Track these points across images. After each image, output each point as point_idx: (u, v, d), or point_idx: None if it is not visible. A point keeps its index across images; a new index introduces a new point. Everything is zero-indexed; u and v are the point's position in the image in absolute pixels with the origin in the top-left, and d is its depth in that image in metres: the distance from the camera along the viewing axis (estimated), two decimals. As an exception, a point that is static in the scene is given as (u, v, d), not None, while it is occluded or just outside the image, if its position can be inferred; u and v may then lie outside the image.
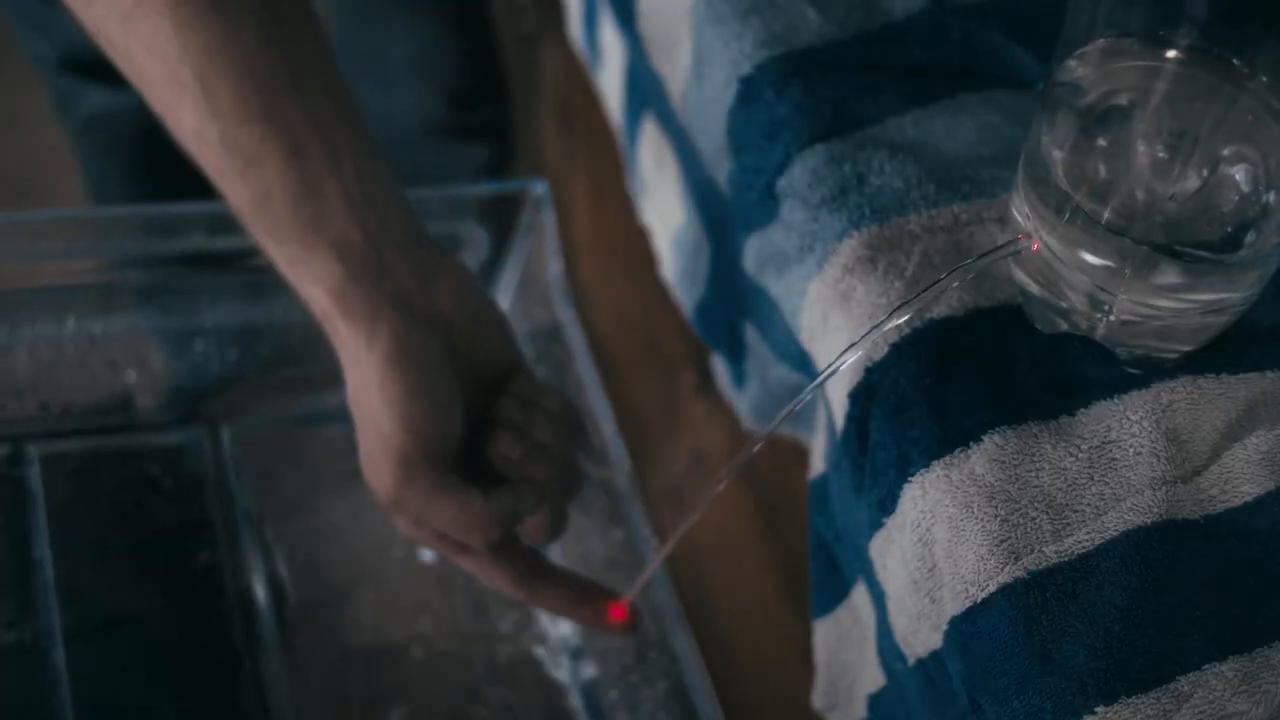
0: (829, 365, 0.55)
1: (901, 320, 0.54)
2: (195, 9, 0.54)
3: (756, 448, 0.59)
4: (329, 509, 0.82)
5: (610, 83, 0.86)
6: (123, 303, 0.79)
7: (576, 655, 0.77)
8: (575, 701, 0.77)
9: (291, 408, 0.84)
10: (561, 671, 0.78)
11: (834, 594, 0.66)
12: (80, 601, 0.73)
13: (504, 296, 0.83)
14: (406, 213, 0.59)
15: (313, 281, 0.57)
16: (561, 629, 0.79)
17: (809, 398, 0.57)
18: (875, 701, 0.63)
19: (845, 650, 0.66)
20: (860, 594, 0.63)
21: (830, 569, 0.66)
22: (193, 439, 0.81)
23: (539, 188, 0.80)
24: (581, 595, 0.66)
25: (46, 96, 1.22)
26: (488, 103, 1.31)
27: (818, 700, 0.69)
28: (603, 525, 0.77)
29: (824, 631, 0.68)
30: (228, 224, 0.75)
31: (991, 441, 0.53)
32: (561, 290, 0.81)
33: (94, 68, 1.16)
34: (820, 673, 0.69)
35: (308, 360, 0.80)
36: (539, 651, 0.78)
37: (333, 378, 0.60)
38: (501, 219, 0.81)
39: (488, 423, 0.62)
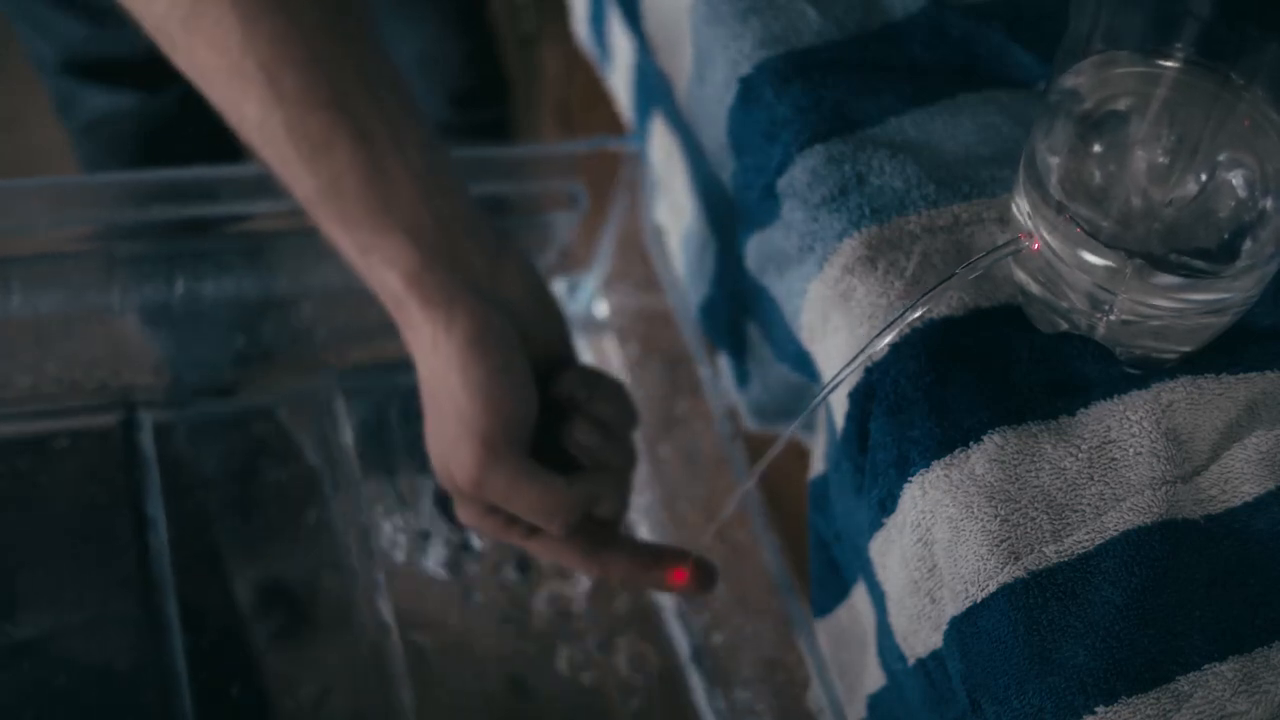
0: (841, 370, 0.55)
1: (906, 322, 0.54)
2: (259, 2, 0.54)
3: (778, 450, 0.60)
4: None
5: (620, 81, 0.87)
6: (232, 265, 0.81)
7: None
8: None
9: (384, 364, 0.85)
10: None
11: (834, 594, 0.66)
12: (193, 562, 0.76)
13: (605, 250, 0.85)
14: (470, 199, 0.59)
15: (387, 266, 0.57)
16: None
17: (820, 401, 0.57)
18: (875, 701, 0.63)
19: (845, 650, 0.66)
20: (860, 594, 0.63)
21: (831, 568, 0.66)
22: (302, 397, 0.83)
23: (635, 143, 0.81)
24: (650, 561, 0.65)
25: (47, 97, 1.22)
26: (488, 103, 1.31)
27: (814, 702, 0.69)
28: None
29: (824, 631, 0.68)
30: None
31: (991, 441, 0.53)
32: (659, 243, 0.81)
33: (94, 69, 1.16)
34: (814, 674, 0.69)
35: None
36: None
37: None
38: (597, 175, 0.82)
39: (548, 407, 0.61)
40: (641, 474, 0.84)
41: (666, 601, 0.80)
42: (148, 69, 1.17)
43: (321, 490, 0.81)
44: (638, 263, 0.83)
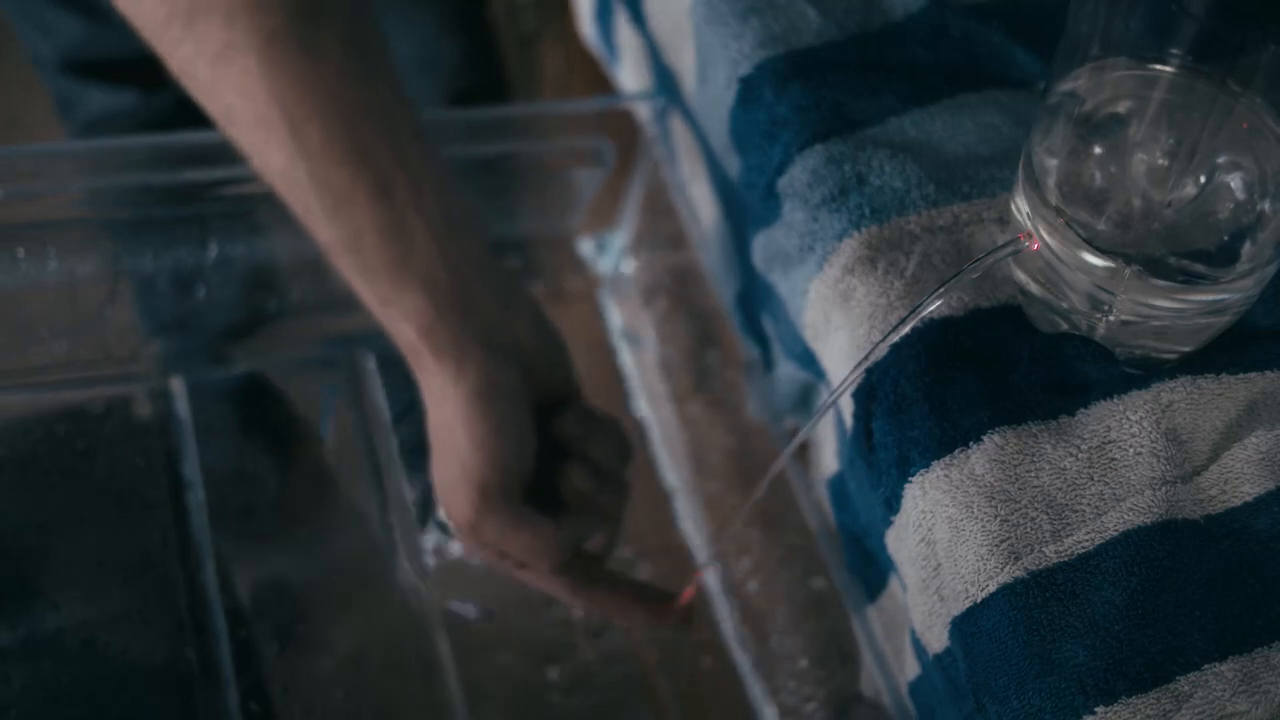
0: (850, 371, 0.55)
1: (910, 325, 0.54)
2: (285, 50, 0.54)
3: (796, 446, 0.61)
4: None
5: (629, 79, 0.86)
6: (263, 226, 0.81)
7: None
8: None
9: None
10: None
11: (875, 583, 0.66)
12: (230, 521, 0.78)
13: (631, 207, 0.85)
14: (484, 243, 0.60)
15: (403, 319, 0.58)
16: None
17: (832, 402, 0.57)
18: (914, 689, 0.63)
19: (893, 637, 0.66)
20: (896, 584, 0.63)
21: (867, 560, 0.66)
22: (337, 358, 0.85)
23: (659, 100, 0.81)
24: (634, 599, 0.68)
25: (47, 97, 1.22)
26: (488, 103, 1.31)
27: (868, 687, 0.69)
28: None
29: (871, 620, 0.68)
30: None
31: (991, 441, 0.53)
32: (685, 198, 0.82)
33: (94, 69, 1.16)
34: (865, 660, 0.69)
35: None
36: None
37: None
38: (621, 134, 0.83)
39: (548, 444, 0.64)
40: (673, 430, 0.85)
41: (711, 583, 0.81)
42: (148, 69, 1.17)
43: (356, 449, 0.82)
44: (664, 219, 0.84)
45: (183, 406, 0.80)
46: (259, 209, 0.79)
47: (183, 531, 0.75)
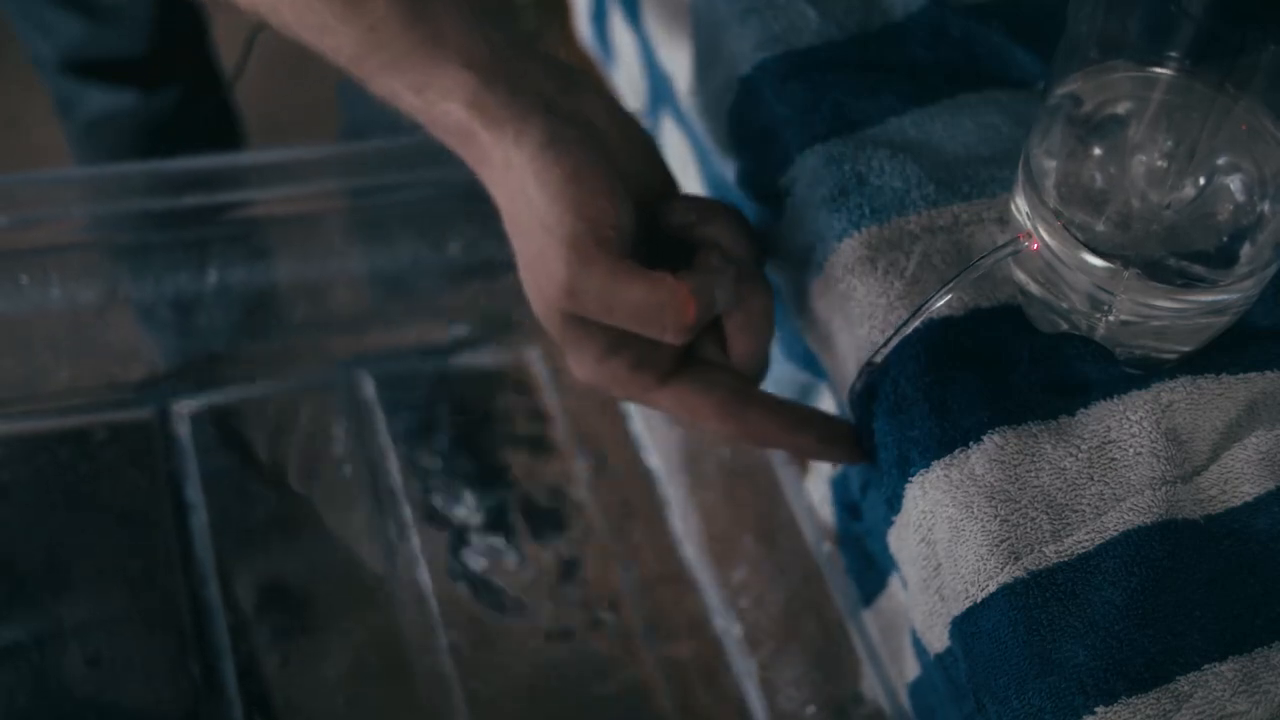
0: (858, 373, 0.55)
1: (911, 327, 0.54)
2: None
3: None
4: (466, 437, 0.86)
5: (624, 80, 0.86)
6: (263, 250, 0.82)
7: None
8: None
9: (415, 349, 0.88)
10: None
11: (874, 585, 0.66)
12: (233, 543, 0.79)
13: None
14: (527, 37, 0.55)
15: (445, 97, 0.53)
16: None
17: (856, 407, 0.57)
18: (914, 690, 0.63)
19: (892, 638, 0.66)
20: (896, 584, 0.63)
21: (866, 561, 0.66)
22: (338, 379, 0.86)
23: (648, 119, 0.81)
24: (795, 423, 0.59)
25: (47, 97, 1.22)
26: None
27: (866, 690, 0.69)
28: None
29: (869, 622, 0.68)
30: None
31: (991, 441, 0.53)
32: None
33: (94, 69, 1.16)
34: (865, 663, 0.69)
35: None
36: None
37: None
38: None
39: (660, 253, 0.56)
40: (668, 435, 0.85)
41: (712, 593, 0.81)
42: (147, 68, 1.17)
43: (356, 470, 0.82)
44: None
45: (184, 429, 0.81)
46: (259, 233, 0.80)
47: (185, 552, 0.76)
